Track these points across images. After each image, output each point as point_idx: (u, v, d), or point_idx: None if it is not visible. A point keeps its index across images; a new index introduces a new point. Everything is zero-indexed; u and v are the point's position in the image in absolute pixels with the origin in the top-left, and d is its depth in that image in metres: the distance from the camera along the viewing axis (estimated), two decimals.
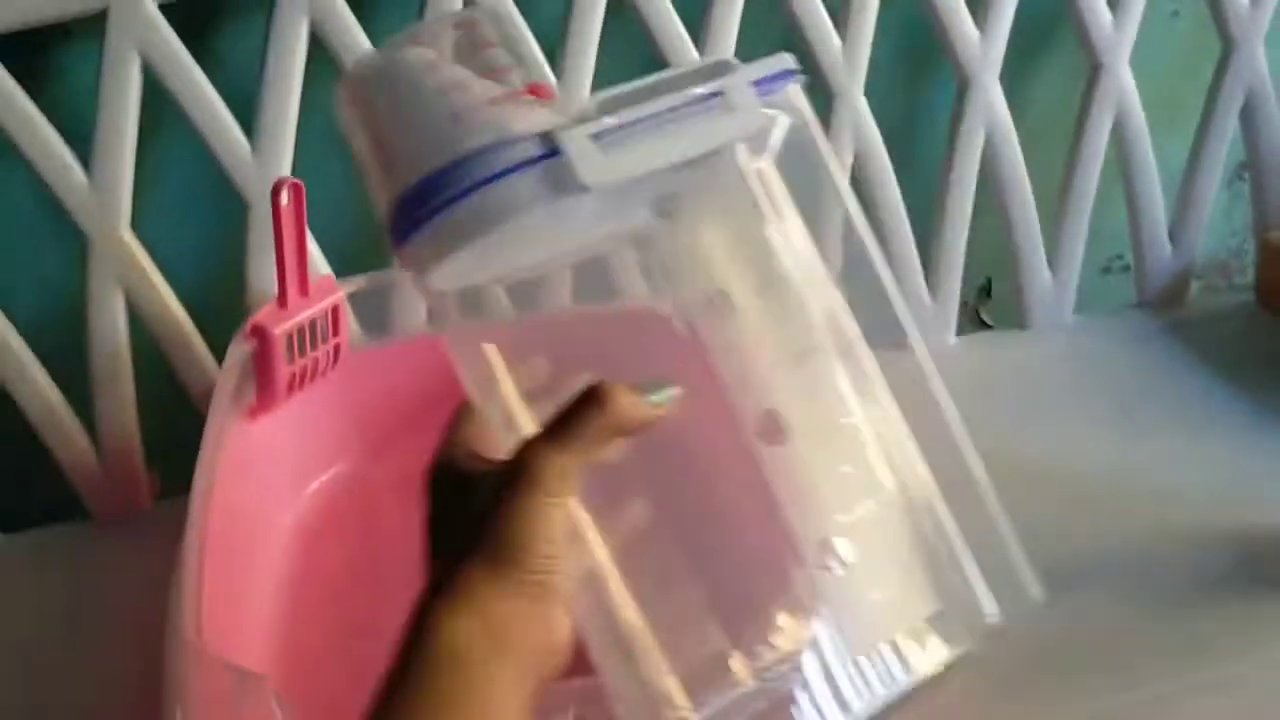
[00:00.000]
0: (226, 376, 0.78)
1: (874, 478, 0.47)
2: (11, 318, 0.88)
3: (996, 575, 0.48)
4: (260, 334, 0.79)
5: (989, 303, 1.16)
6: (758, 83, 0.45)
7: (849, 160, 0.98)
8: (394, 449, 0.87)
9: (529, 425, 0.45)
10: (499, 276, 0.46)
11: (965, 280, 1.05)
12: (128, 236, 0.88)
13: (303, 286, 0.81)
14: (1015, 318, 1.07)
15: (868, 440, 0.47)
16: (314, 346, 0.82)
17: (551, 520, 0.42)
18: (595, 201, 0.43)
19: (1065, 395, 0.97)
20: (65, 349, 0.90)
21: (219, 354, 0.91)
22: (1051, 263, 1.05)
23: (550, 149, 0.41)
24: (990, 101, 0.99)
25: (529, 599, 0.42)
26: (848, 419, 0.47)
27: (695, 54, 0.93)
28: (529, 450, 0.43)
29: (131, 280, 0.89)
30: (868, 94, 0.98)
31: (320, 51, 0.88)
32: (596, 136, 0.42)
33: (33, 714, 0.78)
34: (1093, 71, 1.02)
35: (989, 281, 1.15)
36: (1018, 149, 1.01)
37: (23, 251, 0.92)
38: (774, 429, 0.46)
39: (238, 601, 0.75)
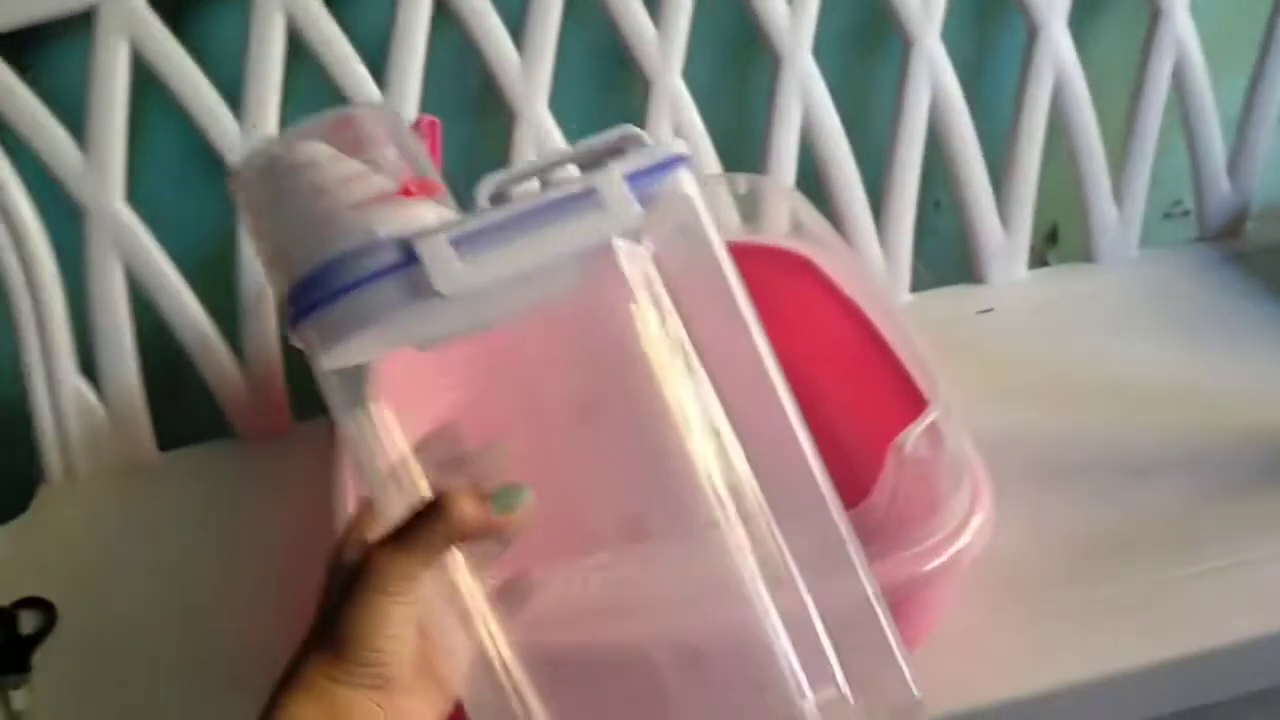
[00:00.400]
0: None
1: (739, 586, 0.45)
2: (169, 254, 0.97)
3: (876, 674, 0.47)
4: None
5: (1055, 248, 1.22)
6: (640, 174, 0.44)
7: (925, 104, 1.04)
8: (513, 378, 0.94)
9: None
10: (421, 344, 0.47)
11: (1033, 226, 1.10)
12: None
13: None
14: (1082, 255, 1.13)
15: (734, 547, 0.45)
16: None
17: (390, 617, 0.44)
18: (476, 295, 0.42)
19: (1133, 318, 1.02)
20: (216, 283, 0.99)
21: None
22: (1117, 199, 1.10)
23: (409, 255, 0.41)
24: (1058, 47, 1.05)
25: (369, 689, 0.45)
26: (713, 523, 0.45)
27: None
28: (373, 551, 0.45)
29: None
30: (942, 40, 1.03)
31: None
32: (457, 241, 0.42)
33: (189, 614, 0.84)
34: (1152, 18, 1.07)
35: (1055, 227, 1.21)
36: (1085, 92, 1.06)
37: (176, 193, 1.00)
38: (637, 531, 0.46)
39: None
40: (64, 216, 0.95)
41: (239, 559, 0.88)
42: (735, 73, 1.07)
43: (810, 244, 0.91)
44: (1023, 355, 0.98)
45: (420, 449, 0.48)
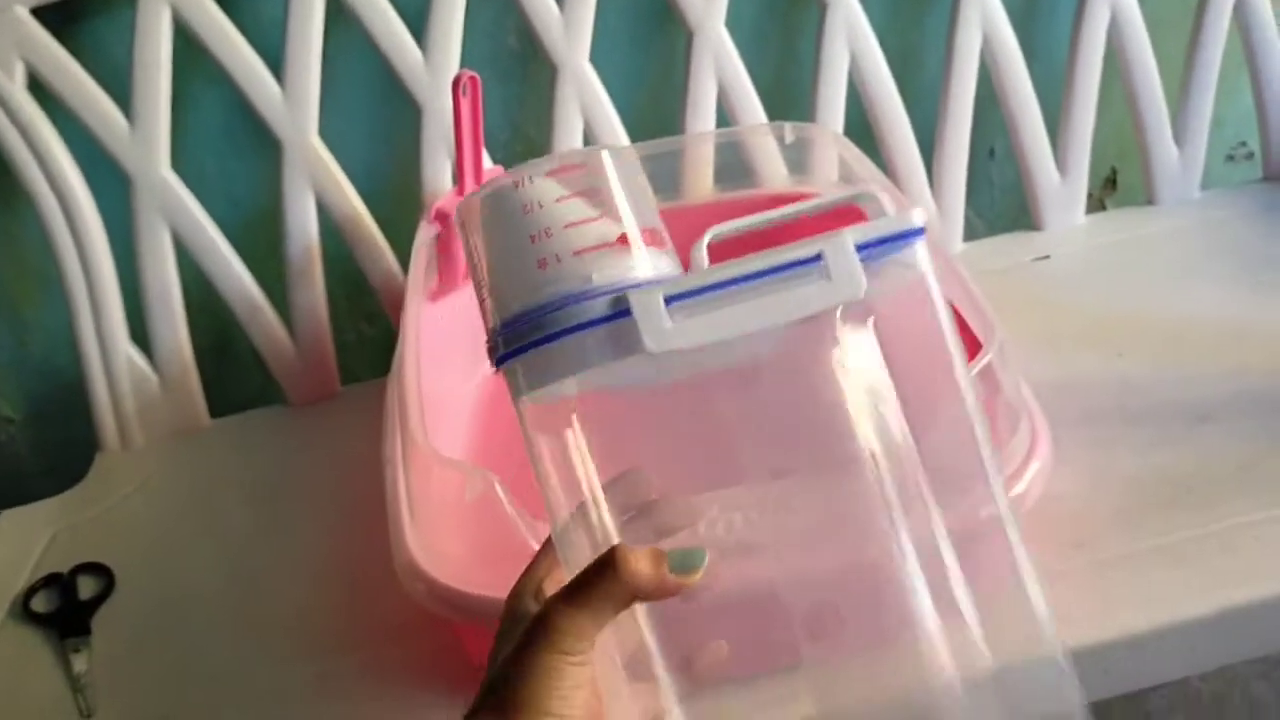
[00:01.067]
0: (418, 257, 0.85)
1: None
2: (216, 221, 0.97)
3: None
4: (443, 218, 0.86)
5: (1114, 193, 1.19)
6: (870, 244, 0.42)
7: (977, 47, 1.02)
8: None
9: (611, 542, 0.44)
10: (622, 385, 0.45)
11: (1090, 172, 1.07)
12: (316, 142, 0.97)
13: (477, 175, 0.89)
14: (1142, 199, 1.10)
15: (931, 647, 0.44)
16: None
17: (563, 676, 0.43)
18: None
19: (1194, 260, 0.99)
20: (263, 250, 0.99)
21: (398, 250, 1.00)
22: (1177, 140, 1.07)
23: (623, 308, 0.41)
24: None
25: None
26: (907, 623, 0.43)
27: None
28: (548, 607, 0.43)
29: (320, 181, 0.97)
30: None
31: None
32: (670, 299, 0.41)
33: (243, 576, 0.84)
34: None
35: (1114, 172, 1.18)
36: (1143, 28, 1.03)
37: (220, 162, 1.01)
38: (825, 622, 0.44)
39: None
40: (112, 187, 0.95)
41: (290, 522, 0.89)
42: (780, 19, 1.05)
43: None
44: (1081, 301, 0.96)
45: (606, 492, 0.46)
